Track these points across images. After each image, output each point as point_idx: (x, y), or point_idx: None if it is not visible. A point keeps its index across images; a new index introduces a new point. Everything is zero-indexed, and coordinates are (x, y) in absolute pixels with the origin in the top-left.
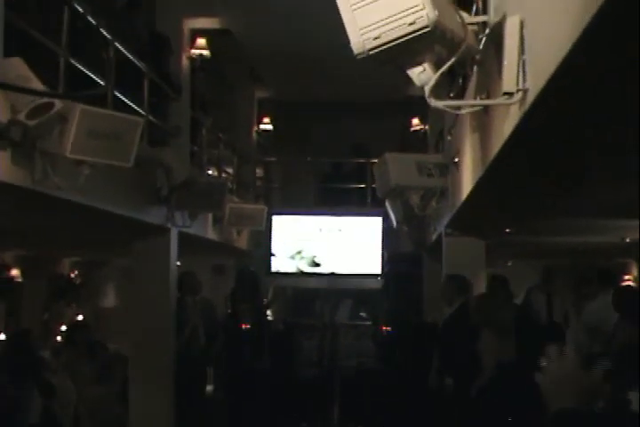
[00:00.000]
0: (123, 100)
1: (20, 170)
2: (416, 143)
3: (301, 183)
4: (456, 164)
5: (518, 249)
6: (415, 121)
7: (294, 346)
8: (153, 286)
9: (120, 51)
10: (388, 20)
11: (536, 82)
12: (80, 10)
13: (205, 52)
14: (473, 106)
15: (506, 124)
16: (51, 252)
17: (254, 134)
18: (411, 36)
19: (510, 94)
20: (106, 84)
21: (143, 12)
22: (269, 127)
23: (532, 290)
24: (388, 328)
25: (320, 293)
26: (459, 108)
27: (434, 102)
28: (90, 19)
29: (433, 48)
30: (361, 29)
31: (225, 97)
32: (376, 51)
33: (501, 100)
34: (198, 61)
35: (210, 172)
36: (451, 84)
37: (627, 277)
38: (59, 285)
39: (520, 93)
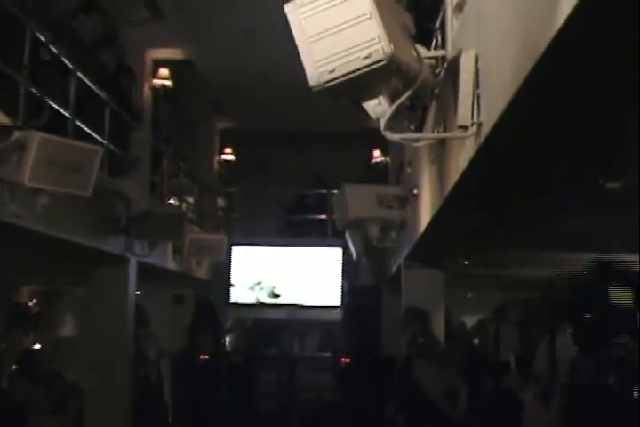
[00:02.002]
0: (83, 130)
1: None
2: (378, 175)
3: (263, 214)
4: (415, 196)
5: (477, 281)
6: (376, 153)
7: (253, 378)
8: (111, 316)
9: (82, 80)
10: (343, 54)
11: (490, 115)
12: (42, 38)
13: (168, 82)
14: (429, 139)
15: (462, 157)
16: (9, 280)
17: (216, 164)
18: (366, 70)
19: (465, 128)
20: (68, 113)
21: (114, 44)
22: (231, 157)
23: (484, 321)
24: (347, 360)
25: (279, 324)
26: (416, 140)
27: (389, 135)
28: (52, 48)
29: (389, 81)
30: (316, 62)
31: (187, 127)
32: (331, 84)
33: (456, 133)
34: (161, 91)
35: (171, 201)
36: (411, 116)
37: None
38: (16, 313)
39: (475, 127)
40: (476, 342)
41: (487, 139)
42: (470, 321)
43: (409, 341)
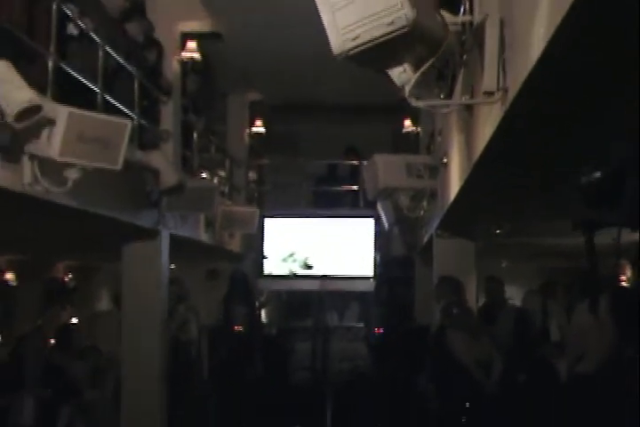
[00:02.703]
0: (113, 104)
1: (9, 173)
2: (408, 145)
3: (294, 186)
4: (444, 164)
5: (511, 251)
6: (407, 123)
7: (287, 349)
8: (145, 290)
9: (110, 54)
10: (366, 20)
11: (515, 81)
12: (69, 13)
13: (196, 56)
14: (454, 106)
15: (488, 124)
16: (44, 256)
17: (246, 137)
18: (389, 36)
19: (491, 93)
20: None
21: (142, 17)
22: (261, 130)
23: (529, 294)
24: (380, 330)
25: (314, 296)
26: (443, 108)
27: (414, 102)
28: (79, 22)
29: (413, 48)
30: (340, 30)
31: (216, 100)
32: (355, 51)
33: (482, 99)
34: (189, 65)
35: (203, 175)
36: (440, 85)
37: (621, 278)
38: (53, 288)
39: (500, 92)
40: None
41: (513, 104)
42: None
43: (443, 311)
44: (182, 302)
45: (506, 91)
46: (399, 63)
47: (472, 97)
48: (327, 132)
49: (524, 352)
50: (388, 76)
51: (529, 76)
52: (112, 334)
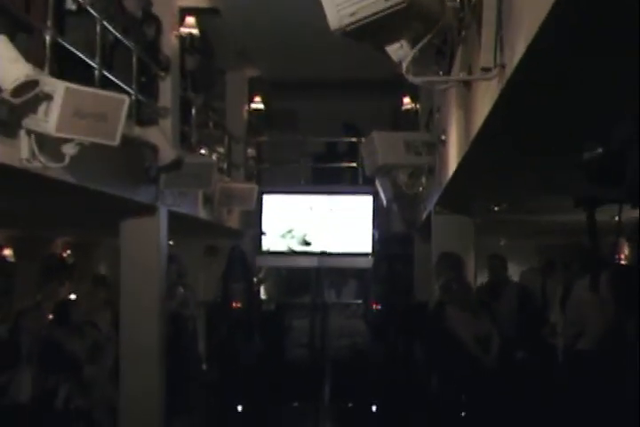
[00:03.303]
0: (111, 80)
1: (7, 149)
2: (408, 122)
3: (293, 162)
4: (443, 141)
5: (509, 228)
6: (406, 100)
7: (285, 326)
8: (144, 266)
9: (108, 29)
10: None
11: (513, 56)
12: None
13: (194, 31)
14: (451, 82)
15: (486, 100)
16: (42, 232)
17: (245, 114)
18: (387, 12)
19: (488, 70)
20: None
21: None
22: (260, 106)
23: (527, 272)
24: (379, 307)
25: (312, 272)
26: (440, 84)
27: (411, 78)
28: None
29: (410, 24)
30: (337, 5)
31: (215, 76)
32: (352, 27)
33: (479, 75)
34: (187, 40)
35: (201, 151)
36: (440, 62)
37: (620, 255)
38: (51, 264)
39: (497, 69)
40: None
41: (510, 80)
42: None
43: (442, 287)
44: (181, 279)
45: (503, 67)
46: (396, 39)
47: (470, 73)
48: (327, 109)
49: (526, 329)
50: (386, 53)
51: (526, 51)
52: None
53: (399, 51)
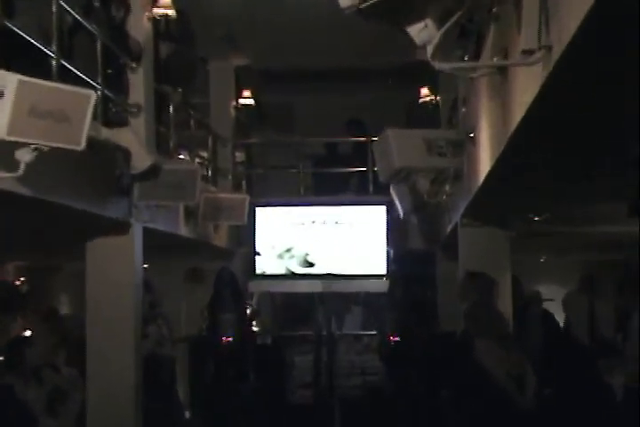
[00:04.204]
0: (72, 72)
1: None
2: (426, 117)
3: (290, 168)
4: (472, 139)
5: (551, 242)
6: (424, 91)
7: (285, 363)
8: (115, 294)
9: (66, 10)
10: None
11: (562, 36)
12: None
13: (171, 12)
14: (486, 68)
15: (527, 90)
16: None
17: (232, 111)
18: None
19: (530, 52)
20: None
21: None
22: (250, 102)
23: (569, 296)
24: (397, 339)
25: (315, 299)
26: (471, 71)
27: (438, 65)
28: None
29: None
30: None
31: (196, 67)
32: (368, 3)
33: (520, 59)
34: (162, 23)
35: (181, 156)
36: (464, 44)
37: None
38: (1, 294)
39: (542, 51)
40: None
41: (558, 65)
42: (545, 291)
43: (467, 314)
44: (155, 310)
45: (549, 49)
46: (420, 18)
47: (506, 57)
48: (329, 104)
49: (559, 363)
50: (406, 35)
51: (579, 29)
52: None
53: (423, 32)
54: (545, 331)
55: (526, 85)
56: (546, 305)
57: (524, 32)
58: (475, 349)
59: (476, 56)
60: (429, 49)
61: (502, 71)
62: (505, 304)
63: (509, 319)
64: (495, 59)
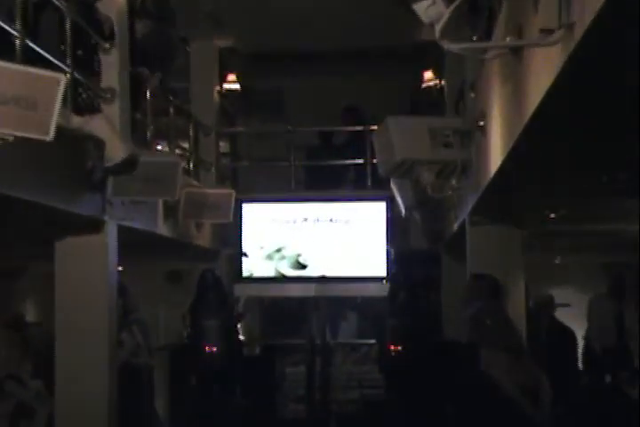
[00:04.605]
0: (38, 53)
1: None
2: (430, 104)
3: (280, 160)
4: (482, 129)
5: (569, 241)
6: (428, 74)
7: (275, 375)
8: (86, 297)
9: None
10: None
11: (584, 13)
12: None
13: None
14: (498, 48)
15: (545, 73)
16: None
17: (216, 96)
18: None
19: (549, 31)
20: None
21: None
22: (236, 87)
23: (597, 300)
24: (398, 348)
25: (308, 304)
26: (482, 52)
27: (447, 45)
28: None
29: None
30: None
31: (176, 48)
32: None
33: (538, 39)
34: (138, 0)
35: (159, 147)
36: (474, 23)
37: None
38: None
39: (563, 30)
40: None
41: (580, 46)
42: (559, 295)
43: (472, 321)
44: (130, 316)
45: (571, 27)
46: None
47: (521, 37)
48: (322, 89)
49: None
50: (410, 12)
51: (604, 6)
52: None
53: (430, 8)
54: (557, 339)
55: (543, 68)
56: (561, 311)
57: (542, 9)
58: (481, 359)
59: (488, 35)
60: (437, 27)
61: (516, 52)
62: (517, 310)
63: (522, 327)
64: (509, 38)
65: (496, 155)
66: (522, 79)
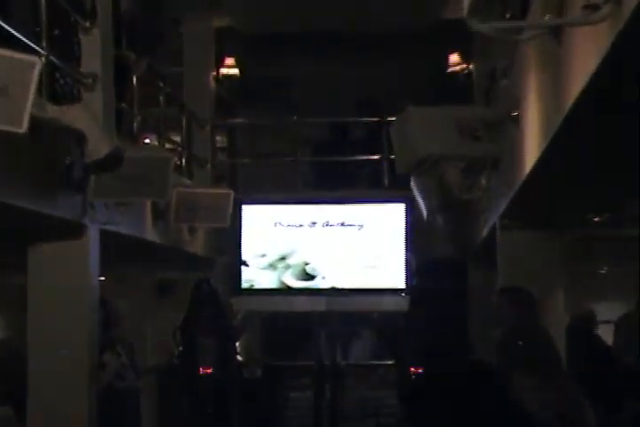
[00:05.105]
0: (9, 33)
1: None
2: (456, 92)
3: (285, 156)
4: (515, 119)
5: (615, 248)
6: (454, 58)
7: (278, 400)
8: (63, 311)
9: None
10: None
11: None
12: None
13: None
14: (536, 28)
15: (590, 54)
16: None
17: (212, 84)
18: None
19: (594, 8)
20: None
21: None
22: (235, 72)
23: (625, 317)
24: (419, 371)
25: (317, 319)
26: (516, 32)
27: (476, 25)
28: None
29: None
30: None
31: (166, 28)
32: None
33: (580, 17)
34: None
35: (147, 141)
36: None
37: None
38: None
39: (610, 6)
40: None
41: (630, 23)
42: (605, 311)
43: (502, 341)
44: (114, 332)
45: (619, 1)
46: None
47: (561, 15)
48: (333, 76)
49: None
50: None
51: None
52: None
53: None
54: (600, 360)
55: (588, 50)
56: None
57: None
58: (512, 386)
59: (523, 13)
60: (465, 4)
61: (556, 32)
62: (554, 328)
63: (561, 347)
64: (547, 17)
65: (532, 149)
66: (563, 63)
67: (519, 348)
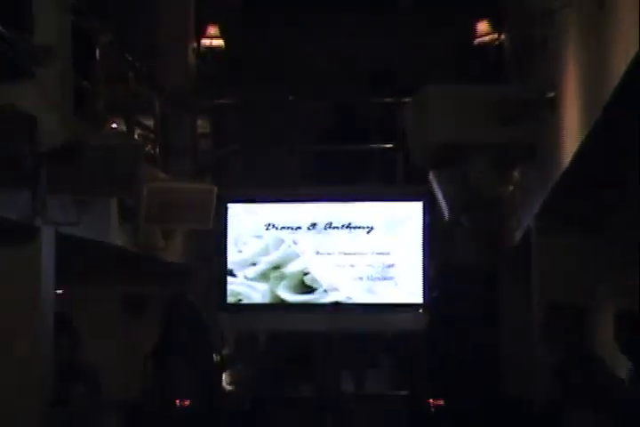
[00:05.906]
0: None
1: None
2: (485, 67)
3: (279, 144)
4: (552, 101)
5: None
6: (482, 27)
7: None
8: (10, 332)
9: None
10: None
11: None
12: None
13: None
14: None
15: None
16: None
17: (192, 57)
18: None
19: None
20: None
21: None
22: (219, 43)
23: None
24: (439, 402)
25: (317, 341)
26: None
27: None
28: None
29: None
30: None
31: None
32: None
33: None
34: None
35: (114, 125)
36: None
37: None
38: None
39: None
40: None
41: None
42: None
43: (554, 372)
44: (73, 358)
45: None
46: None
47: None
48: (337, 48)
49: None
50: None
51: None
52: None
53: None
54: None
55: (636, 22)
56: None
57: None
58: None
59: None
60: None
61: (601, 1)
62: (606, 352)
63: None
64: None
65: (573, 136)
66: (607, 36)
67: (574, 381)
